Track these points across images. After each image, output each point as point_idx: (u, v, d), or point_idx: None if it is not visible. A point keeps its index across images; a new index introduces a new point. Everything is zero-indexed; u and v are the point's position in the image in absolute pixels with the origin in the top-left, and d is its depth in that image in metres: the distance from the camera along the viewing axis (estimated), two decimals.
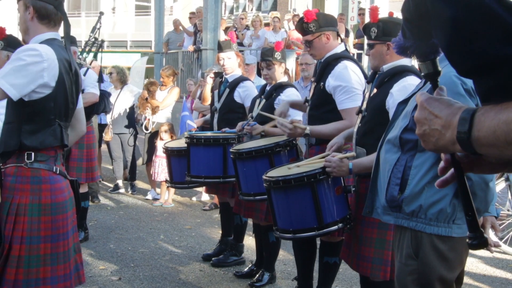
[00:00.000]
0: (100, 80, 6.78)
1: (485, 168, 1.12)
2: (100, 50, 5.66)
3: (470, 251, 2.48)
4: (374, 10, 3.12)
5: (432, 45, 1.15)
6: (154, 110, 7.62)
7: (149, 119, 7.65)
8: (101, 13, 5.50)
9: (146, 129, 7.69)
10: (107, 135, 7.89)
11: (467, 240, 1.14)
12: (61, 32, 2.80)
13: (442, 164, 1.14)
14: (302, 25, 3.68)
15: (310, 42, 3.67)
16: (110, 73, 7.97)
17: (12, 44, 3.78)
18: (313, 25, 3.63)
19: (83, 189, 5.37)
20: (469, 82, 2.19)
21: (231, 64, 4.96)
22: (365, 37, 3.17)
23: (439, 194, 2.28)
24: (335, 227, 3.11)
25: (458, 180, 1.12)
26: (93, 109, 5.41)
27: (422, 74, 1.23)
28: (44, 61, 2.54)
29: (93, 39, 5.34)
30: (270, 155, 3.74)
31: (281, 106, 4.01)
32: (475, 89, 1.03)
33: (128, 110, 7.87)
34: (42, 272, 2.57)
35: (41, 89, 2.57)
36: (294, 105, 4.01)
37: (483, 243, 1.12)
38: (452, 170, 1.14)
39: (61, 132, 2.68)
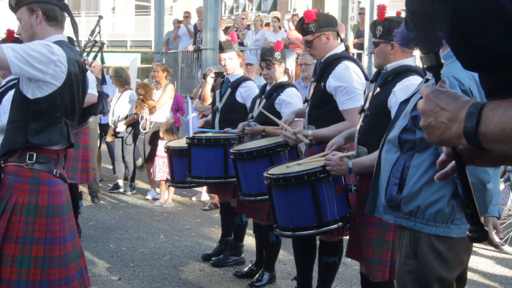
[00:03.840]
0: (103, 81, 6.77)
1: (486, 161, 1.11)
2: (101, 51, 5.65)
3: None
4: (381, 9, 3.11)
5: (436, 38, 1.14)
6: (151, 110, 7.62)
7: (146, 119, 7.66)
8: (100, 17, 5.49)
9: (144, 129, 7.70)
10: (109, 136, 7.93)
11: (468, 233, 1.14)
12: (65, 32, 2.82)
13: (442, 157, 1.13)
14: (302, 26, 3.68)
15: (310, 42, 3.67)
16: (110, 76, 8.00)
17: None
18: (313, 25, 3.63)
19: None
20: (467, 83, 2.19)
21: (233, 64, 4.97)
22: (371, 35, 3.17)
23: (437, 195, 2.29)
24: (335, 225, 3.11)
25: (459, 173, 1.11)
26: (90, 110, 5.41)
27: (425, 66, 1.22)
28: (54, 55, 2.56)
29: (92, 42, 5.32)
30: (270, 155, 3.74)
31: (287, 115, 4.00)
32: (481, 84, 1.02)
33: (126, 114, 7.83)
34: (32, 274, 2.56)
35: (46, 85, 2.58)
36: (300, 114, 4.01)
37: (483, 236, 1.12)
38: (452, 163, 1.13)
39: (68, 131, 2.68)
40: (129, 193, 7.92)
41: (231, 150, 3.93)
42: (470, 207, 1.12)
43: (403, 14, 3.22)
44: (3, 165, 2.62)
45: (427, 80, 2.41)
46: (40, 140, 2.59)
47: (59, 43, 2.66)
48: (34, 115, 2.57)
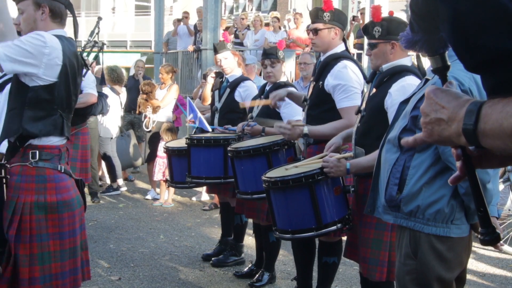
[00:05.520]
0: (102, 81, 6.75)
1: (494, 162, 1.10)
2: (101, 50, 5.65)
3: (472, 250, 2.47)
4: (377, 10, 3.10)
5: (440, 40, 1.14)
6: (155, 109, 7.63)
7: (149, 118, 7.67)
8: (99, 18, 5.49)
9: (147, 127, 7.71)
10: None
11: (479, 236, 1.13)
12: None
13: (459, 163, 1.12)
14: (317, 12, 3.69)
15: (318, 31, 3.68)
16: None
17: None
18: (328, 15, 3.64)
19: None
20: (467, 83, 2.19)
21: (229, 63, 4.97)
22: (366, 37, 3.15)
23: (436, 195, 2.29)
24: (334, 227, 3.11)
25: (468, 175, 1.10)
26: (90, 110, 5.41)
27: (431, 69, 1.22)
28: (47, 48, 2.56)
29: (92, 42, 5.32)
30: (268, 154, 3.74)
31: (280, 90, 3.99)
32: (483, 84, 1.02)
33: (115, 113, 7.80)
34: (53, 268, 2.61)
35: (40, 78, 2.58)
36: (292, 96, 3.97)
37: (496, 239, 1.10)
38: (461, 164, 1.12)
39: (62, 123, 2.68)
40: (113, 193, 7.89)
41: (228, 148, 3.93)
42: (481, 210, 1.10)
43: (395, 14, 3.22)
44: (8, 166, 2.63)
45: (426, 81, 2.41)
46: (34, 129, 2.59)
47: (57, 36, 2.66)
48: (31, 103, 2.58)
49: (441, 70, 1.20)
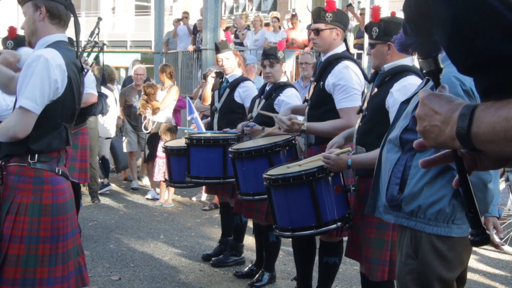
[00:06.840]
0: (103, 82, 6.74)
1: (488, 164, 1.11)
2: (102, 51, 5.65)
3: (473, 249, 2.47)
4: (376, 10, 3.13)
5: (434, 43, 1.15)
6: (155, 111, 7.63)
7: (149, 119, 7.67)
8: (99, 19, 5.48)
9: (146, 129, 7.71)
10: None
11: (469, 237, 1.13)
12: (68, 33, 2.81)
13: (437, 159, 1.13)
14: (319, 12, 3.69)
15: (320, 31, 3.68)
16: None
17: (22, 44, 3.77)
18: (330, 16, 3.65)
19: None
20: (468, 83, 2.19)
21: (230, 64, 4.96)
22: (367, 36, 3.17)
23: (438, 194, 2.29)
24: (334, 225, 3.11)
25: (460, 176, 1.11)
26: (90, 111, 5.41)
27: (424, 71, 1.22)
28: (55, 69, 2.56)
29: (93, 43, 5.31)
30: (269, 155, 3.74)
31: (283, 111, 4.00)
32: (476, 87, 1.03)
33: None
34: (39, 273, 2.58)
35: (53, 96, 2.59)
36: (296, 110, 4.00)
37: (485, 240, 1.11)
38: (444, 151, 1.13)
39: (67, 134, 2.69)
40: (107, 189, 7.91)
41: (230, 149, 3.93)
42: (472, 211, 1.11)
43: (397, 14, 3.24)
44: (3, 165, 2.62)
45: (428, 81, 2.41)
46: (40, 147, 2.60)
47: (57, 44, 2.65)
48: (36, 123, 2.56)
49: (434, 73, 1.20)
